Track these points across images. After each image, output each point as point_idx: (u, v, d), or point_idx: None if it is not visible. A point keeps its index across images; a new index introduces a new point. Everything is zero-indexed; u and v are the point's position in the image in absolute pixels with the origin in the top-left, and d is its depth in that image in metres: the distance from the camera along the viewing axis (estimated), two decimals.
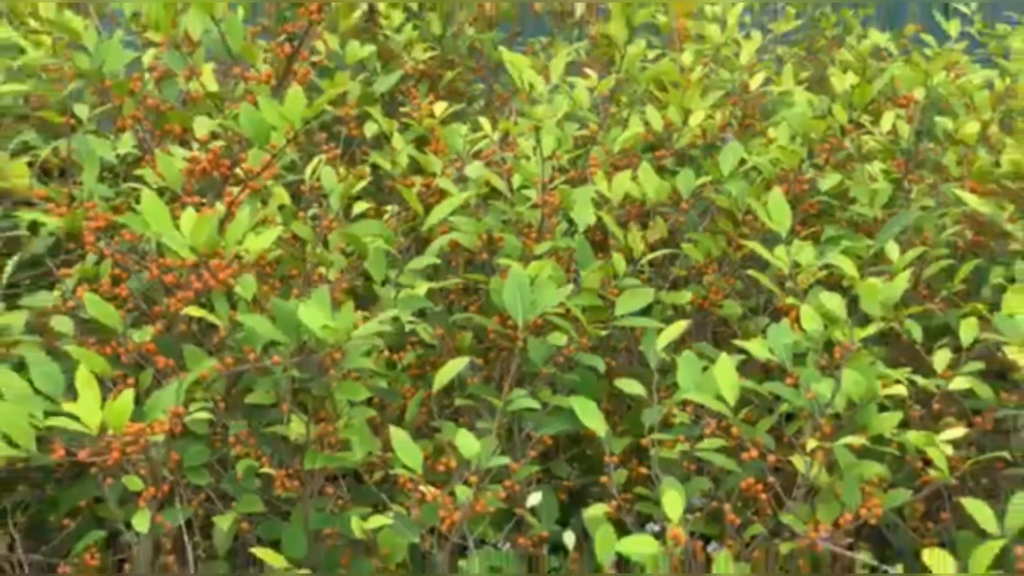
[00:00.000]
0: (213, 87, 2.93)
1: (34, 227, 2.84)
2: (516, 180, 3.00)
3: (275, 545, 2.49)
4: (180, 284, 2.51)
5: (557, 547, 2.65)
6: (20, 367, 2.26)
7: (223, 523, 2.56)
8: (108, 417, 2.18)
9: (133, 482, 2.43)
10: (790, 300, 2.79)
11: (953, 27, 4.40)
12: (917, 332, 2.76)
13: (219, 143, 2.74)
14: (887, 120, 3.38)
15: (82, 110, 3.02)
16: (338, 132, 3.32)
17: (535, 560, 2.66)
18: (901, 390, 2.51)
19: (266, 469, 2.58)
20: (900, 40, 4.61)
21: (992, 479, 2.77)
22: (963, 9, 4.65)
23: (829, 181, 3.16)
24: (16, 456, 2.22)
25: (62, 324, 2.62)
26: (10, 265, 2.73)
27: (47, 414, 2.23)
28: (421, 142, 3.26)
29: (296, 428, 2.55)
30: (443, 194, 3.03)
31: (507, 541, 2.67)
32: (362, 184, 2.99)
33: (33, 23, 3.32)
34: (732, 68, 3.76)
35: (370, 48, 3.42)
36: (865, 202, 3.10)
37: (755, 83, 3.60)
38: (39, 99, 3.19)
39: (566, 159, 3.04)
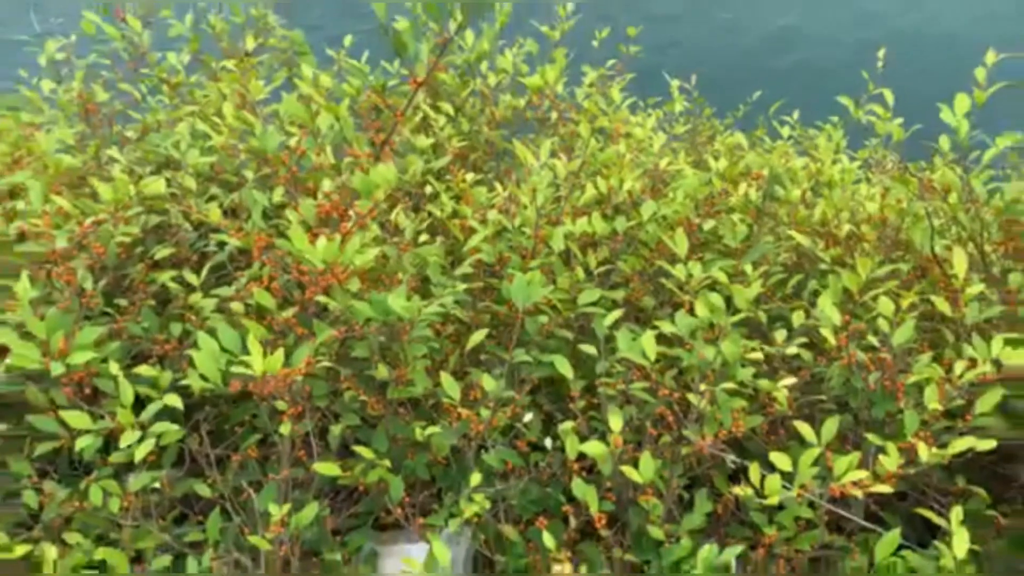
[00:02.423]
0: (332, 160, 2.93)
1: (221, 245, 2.83)
2: (517, 221, 3.00)
3: (367, 445, 2.50)
4: (312, 282, 2.51)
5: (540, 448, 2.66)
6: (212, 333, 2.25)
7: (335, 430, 2.57)
8: (267, 365, 2.19)
9: (281, 405, 2.43)
10: (687, 298, 2.79)
11: (785, 131, 4.42)
12: (765, 319, 2.77)
13: (336, 196, 2.73)
14: (743, 188, 3.38)
15: (249, 174, 3.01)
16: (410, 191, 3.33)
17: (526, 455, 2.67)
18: (757, 355, 2.52)
19: (362, 397, 2.58)
20: (751, 138, 4.62)
21: (811, 411, 2.77)
22: (788, 120, 4.65)
23: (708, 225, 3.16)
24: (208, 387, 2.22)
25: (238, 307, 2.62)
26: (206, 269, 2.74)
27: (229, 363, 2.23)
28: (458, 199, 3.26)
29: (381, 372, 2.55)
30: (472, 230, 3.04)
31: (510, 444, 2.66)
32: (424, 224, 3.01)
33: (217, 120, 3.32)
34: (648, 155, 3.77)
35: (428, 140, 3.42)
36: (731, 238, 3.10)
37: (662, 164, 3.60)
38: (221, 167, 3.18)
39: (548, 209, 3.03)
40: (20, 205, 2.72)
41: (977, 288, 2.69)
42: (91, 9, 3.47)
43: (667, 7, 12.46)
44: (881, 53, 4.26)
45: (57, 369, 2.21)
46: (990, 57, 2.92)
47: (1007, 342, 2.52)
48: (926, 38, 11.74)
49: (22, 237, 2.63)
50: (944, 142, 3.09)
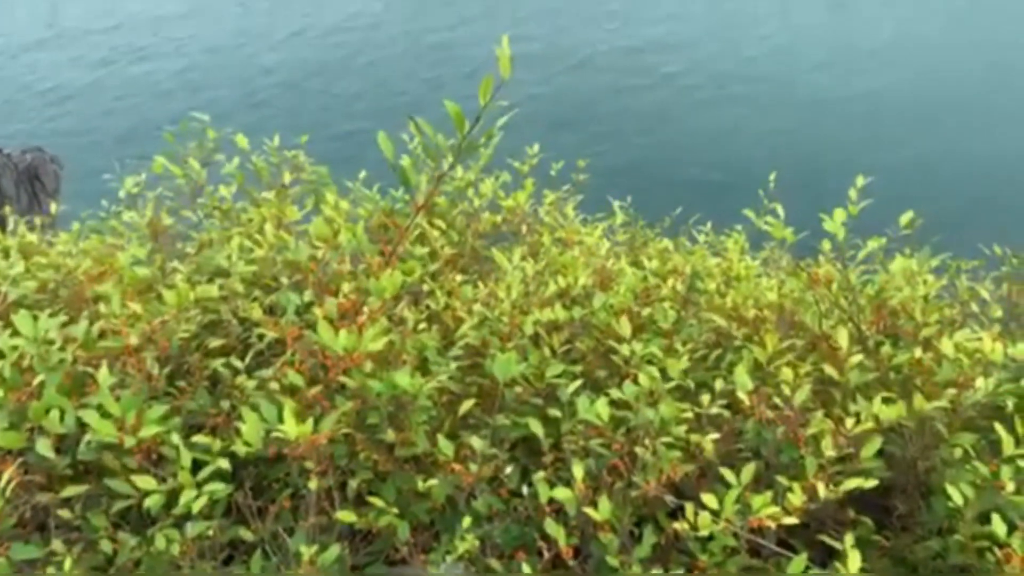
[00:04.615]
0: (350, 268, 2.93)
1: (261, 336, 2.80)
2: (496, 312, 3.00)
3: (379, 496, 2.45)
4: (334, 365, 2.48)
5: (518, 494, 2.61)
6: (254, 408, 2.22)
7: (353, 484, 2.52)
8: (299, 432, 2.15)
9: (309, 464, 2.38)
10: (631, 370, 2.79)
11: (703, 236, 4.47)
12: (693, 385, 2.76)
13: (353, 296, 2.73)
14: (671, 282, 3.42)
15: (284, 280, 3.01)
16: (412, 290, 3.32)
17: (507, 500, 2.62)
18: (688, 415, 2.52)
19: (374, 457, 2.54)
20: (676, 243, 4.67)
21: (732, 459, 2.75)
22: (703, 229, 4.70)
23: (646, 311, 3.18)
24: (251, 451, 2.18)
25: (274, 386, 2.58)
26: (249, 356, 2.71)
27: (267, 431, 2.20)
28: (450, 294, 3.26)
29: (389, 436, 2.52)
30: (461, 319, 3.03)
31: (494, 492, 2.61)
32: (423, 315, 3.00)
33: (259, 237, 3.32)
34: (596, 257, 3.80)
35: (425, 250, 3.43)
36: (663, 322, 3.11)
37: (608, 265, 3.64)
38: (262, 274, 3.18)
39: (520, 302, 3.04)
40: (102, 309, 2.70)
41: (857, 358, 2.71)
42: (162, 154, 3.51)
43: (616, 148, 12.73)
44: (772, 176, 4.36)
45: (130, 441, 2.17)
46: (859, 180, 3.00)
47: (883, 400, 2.53)
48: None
49: (103, 335, 2.60)
50: (826, 244, 3.14)
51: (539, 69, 13.96)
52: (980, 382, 2.57)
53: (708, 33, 15.62)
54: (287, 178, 4.00)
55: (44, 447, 2.26)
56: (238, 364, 2.70)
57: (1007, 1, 16.41)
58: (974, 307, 3.50)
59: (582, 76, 14.77)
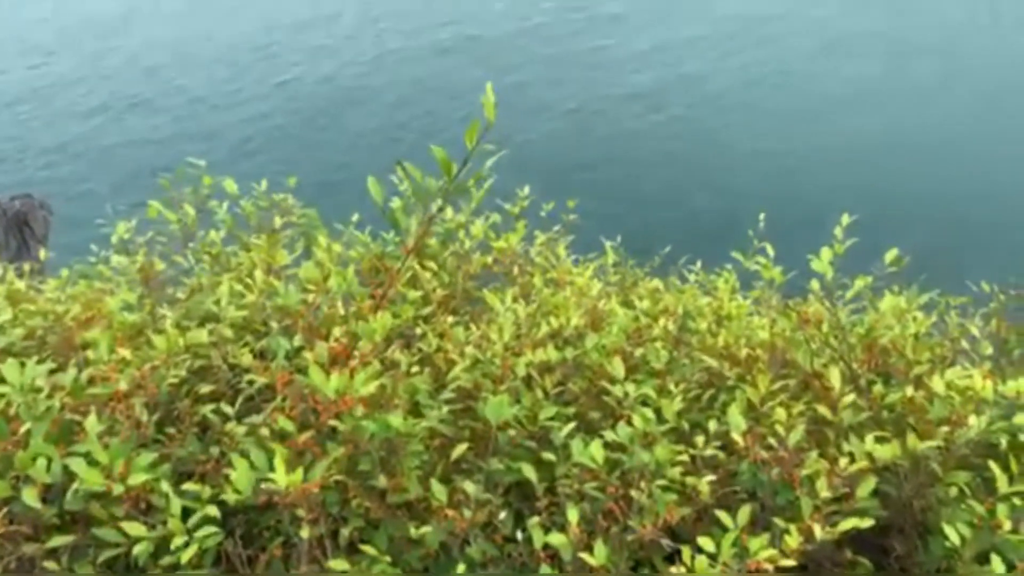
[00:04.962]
0: (341, 311, 2.93)
1: (251, 382, 2.79)
2: (488, 354, 2.99)
3: (371, 544, 2.42)
4: (325, 409, 2.47)
5: (512, 540, 2.58)
6: (244, 454, 2.20)
7: (344, 532, 2.48)
8: (290, 480, 2.13)
9: (300, 512, 2.36)
10: (625, 411, 2.78)
11: (693, 276, 4.49)
12: (687, 426, 2.76)
13: (344, 339, 2.72)
14: (662, 322, 3.42)
15: (274, 324, 3.01)
16: (404, 333, 3.32)
17: (502, 547, 2.58)
18: (683, 457, 2.51)
19: (366, 504, 2.51)
20: (667, 283, 4.69)
21: (728, 501, 2.73)
22: (693, 268, 4.73)
23: (638, 352, 3.18)
24: (240, 498, 2.16)
25: (265, 432, 2.56)
26: (239, 402, 2.69)
27: (258, 479, 2.18)
28: (441, 336, 3.25)
29: (381, 482, 2.50)
30: (453, 362, 3.02)
31: (488, 538, 2.59)
32: (415, 358, 2.99)
33: (249, 281, 3.31)
34: (588, 297, 3.81)
35: (417, 293, 3.43)
36: (656, 362, 3.11)
37: (600, 305, 3.65)
38: (251, 319, 3.17)
39: (512, 343, 3.04)
40: (91, 355, 2.68)
41: (850, 398, 2.72)
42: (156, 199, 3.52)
43: (607, 187, 12.84)
44: (761, 216, 4.39)
45: (118, 489, 2.15)
46: (844, 219, 3.03)
47: (877, 440, 2.53)
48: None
49: (91, 381, 2.58)
50: (814, 283, 3.16)
51: (530, 114, 14.13)
52: (973, 420, 2.58)
53: (696, 80, 15.89)
54: (277, 222, 4.01)
55: (30, 497, 2.22)
56: (228, 410, 2.68)
57: (994, 41, 16.79)
58: (964, 344, 3.51)
59: (572, 121, 14.96)
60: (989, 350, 3.24)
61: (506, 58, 16.80)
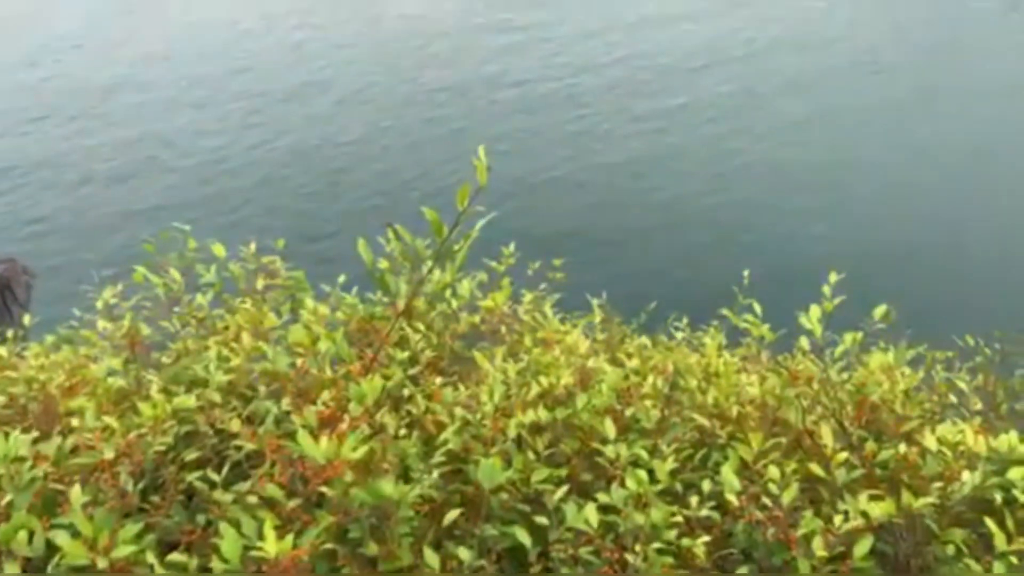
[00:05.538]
0: (330, 374, 2.92)
1: (238, 448, 2.76)
2: (478, 416, 2.98)
3: None
4: (315, 475, 2.44)
5: None
6: (232, 523, 2.17)
7: None
8: (279, 549, 2.10)
9: None
10: (618, 472, 2.77)
11: (679, 334, 4.52)
12: (681, 487, 2.75)
13: (333, 404, 2.71)
14: (651, 379, 3.43)
15: (261, 388, 2.99)
16: (392, 394, 3.31)
17: None
18: (678, 519, 2.49)
19: (357, 573, 2.47)
20: (655, 340, 4.71)
21: (724, 563, 2.71)
22: (680, 325, 4.76)
23: (630, 411, 3.18)
24: (228, 568, 2.12)
25: (251, 498, 2.53)
26: (226, 468, 2.66)
27: (246, 548, 2.15)
28: (430, 398, 3.24)
29: (372, 549, 2.46)
30: (443, 424, 3.01)
31: None
32: (404, 420, 2.98)
33: (235, 345, 3.30)
34: (577, 356, 3.82)
35: (405, 354, 3.43)
36: (647, 422, 3.11)
37: (589, 363, 3.66)
38: (238, 383, 3.15)
39: (503, 404, 3.03)
40: (75, 423, 2.65)
41: (843, 455, 2.72)
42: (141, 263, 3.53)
43: (592, 247, 12.99)
44: (746, 273, 4.46)
45: (103, 563, 2.10)
46: (832, 276, 3.08)
47: (871, 498, 2.53)
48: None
49: (76, 450, 2.55)
50: (803, 341, 3.20)
51: (513, 180, 14.31)
52: (966, 476, 2.59)
53: (680, 146, 16.25)
54: (261, 284, 4.01)
55: (12, 571, 2.17)
56: (215, 477, 2.64)
57: (979, 93, 17.31)
58: (952, 398, 3.54)
59: (556, 186, 15.21)
60: (979, 405, 3.27)
61: (494, 125, 17.12)
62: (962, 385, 3.36)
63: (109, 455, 2.51)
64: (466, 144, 16.35)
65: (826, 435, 2.77)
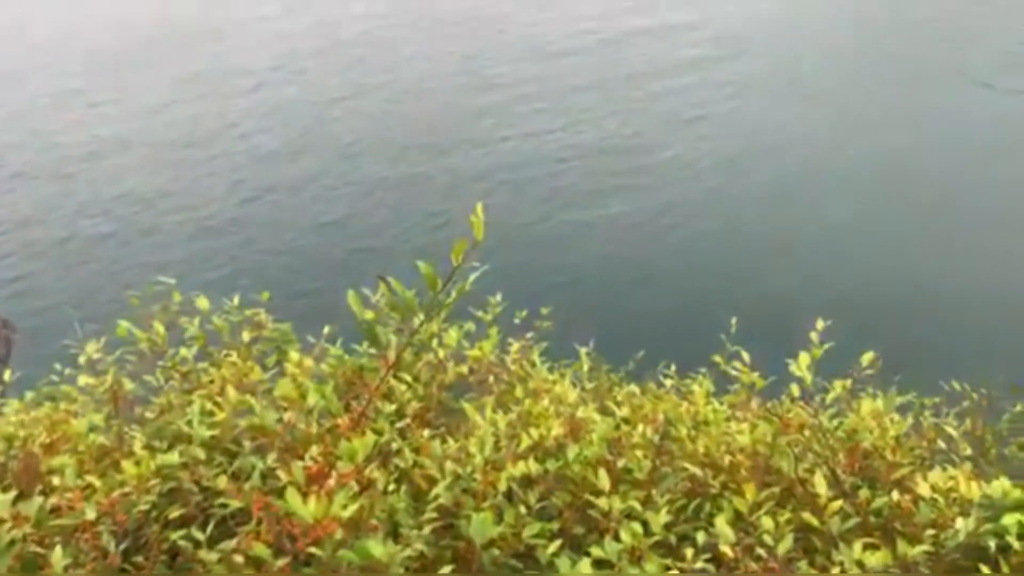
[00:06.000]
0: (316, 429, 2.90)
1: (223, 505, 2.71)
2: (468, 469, 2.96)
3: None
4: (303, 534, 2.40)
5: None
6: None
7: None
8: None
9: None
10: (612, 524, 2.74)
11: (669, 381, 4.52)
12: (675, 539, 2.73)
13: (321, 459, 2.68)
14: (641, 428, 3.42)
15: (246, 443, 2.96)
16: (380, 449, 3.28)
17: None
18: (674, 572, 2.47)
19: None
20: (644, 388, 4.70)
21: None
22: (668, 373, 4.75)
23: (622, 461, 3.17)
24: None
25: (237, 557, 2.48)
26: (211, 526, 2.61)
27: None
28: (418, 451, 3.21)
29: None
30: (432, 479, 2.98)
31: None
32: (392, 476, 2.94)
33: (219, 399, 3.26)
34: (567, 406, 3.80)
35: (392, 406, 3.41)
36: (639, 472, 3.09)
37: (578, 413, 3.64)
38: (219, 439, 3.10)
39: (493, 457, 3.01)
40: (56, 481, 2.60)
41: (837, 504, 2.72)
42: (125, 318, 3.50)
43: (578, 295, 13.05)
44: (733, 321, 4.48)
45: None
46: (820, 324, 3.11)
47: (865, 547, 2.52)
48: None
49: (57, 510, 2.49)
50: (794, 389, 3.21)
51: (498, 231, 14.40)
52: (960, 522, 2.59)
53: (668, 197, 16.48)
54: (246, 336, 3.99)
55: None
56: (199, 536, 2.59)
57: (965, 138, 17.71)
58: (941, 444, 3.56)
59: (544, 235, 15.35)
60: (968, 450, 3.29)
61: (480, 179, 17.30)
62: (951, 431, 3.38)
63: (91, 515, 2.46)
64: (451, 198, 16.52)
65: (819, 484, 2.77)
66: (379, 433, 2.74)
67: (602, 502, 2.82)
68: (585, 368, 4.74)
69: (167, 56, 25.41)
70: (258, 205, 17.00)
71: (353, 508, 2.39)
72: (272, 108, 21.63)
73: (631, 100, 20.63)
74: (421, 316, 2.69)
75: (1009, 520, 2.57)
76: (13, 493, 2.54)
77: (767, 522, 2.60)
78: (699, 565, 2.61)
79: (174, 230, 16.11)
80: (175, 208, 16.85)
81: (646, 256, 14.43)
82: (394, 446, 3.24)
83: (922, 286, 13.03)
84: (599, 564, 2.56)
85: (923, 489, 2.72)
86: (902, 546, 2.51)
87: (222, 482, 2.64)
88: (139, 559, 2.57)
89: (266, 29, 26.74)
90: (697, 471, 3.12)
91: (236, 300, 4.04)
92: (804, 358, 2.96)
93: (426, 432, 3.34)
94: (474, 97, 21.36)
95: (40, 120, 21.55)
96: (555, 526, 2.89)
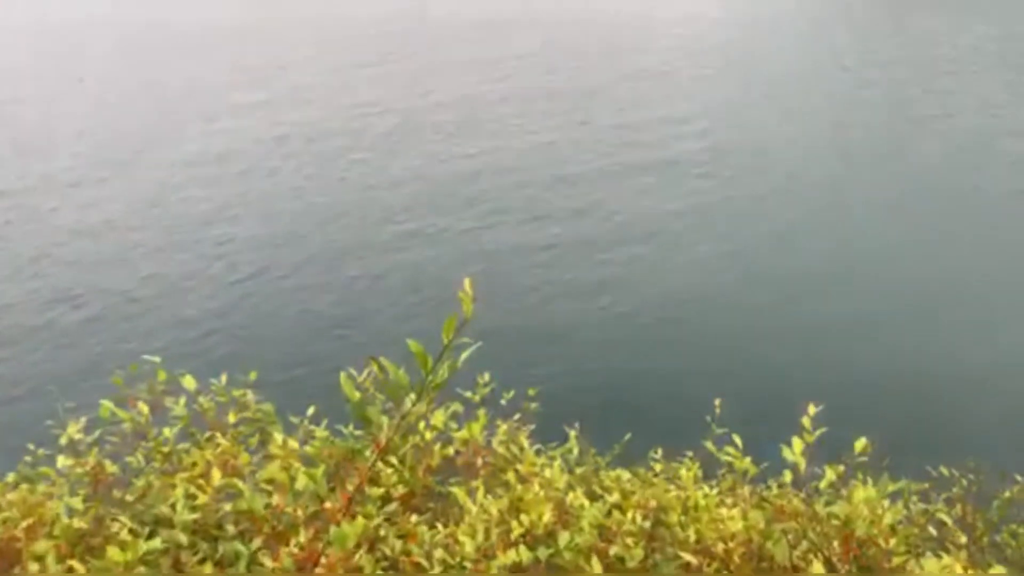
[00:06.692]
0: (303, 514, 2.84)
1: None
2: (458, 558, 2.91)
3: None
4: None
5: None
6: None
7: None
8: None
9: None
10: None
11: (658, 465, 4.49)
12: None
13: (308, 545, 2.63)
14: (631, 515, 3.38)
15: (230, 528, 2.90)
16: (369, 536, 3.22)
17: None
18: None
19: None
20: (633, 472, 4.66)
21: None
22: (656, 456, 4.72)
23: (614, 549, 3.12)
24: None
25: None
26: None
27: None
28: (405, 538, 3.15)
29: None
30: (420, 567, 2.92)
31: None
32: (379, 563, 2.89)
33: (202, 482, 3.21)
34: (556, 491, 3.76)
35: (379, 490, 3.36)
36: (630, 561, 3.05)
37: (568, 500, 3.61)
38: (203, 521, 3.04)
39: (483, 544, 2.97)
40: (34, 567, 2.52)
41: None
42: (109, 398, 3.46)
43: (564, 376, 13.06)
44: (717, 402, 4.49)
45: None
46: (811, 409, 3.13)
47: None
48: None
49: None
50: (787, 475, 3.21)
51: (483, 311, 14.35)
52: None
53: (652, 271, 16.70)
54: (232, 418, 3.94)
55: None
56: None
57: (953, 215, 18.19)
58: (931, 530, 3.55)
59: (527, 312, 15.42)
60: (963, 538, 3.28)
61: (464, 261, 17.47)
62: (944, 518, 3.38)
63: None
64: (435, 279, 16.61)
65: (816, 572, 2.74)
66: (368, 518, 2.69)
67: None
68: (574, 451, 4.70)
69: (160, 139, 25.75)
70: (247, 288, 17.00)
71: None
72: (259, 192, 21.87)
73: (620, 192, 21.09)
74: (413, 397, 2.68)
75: None
76: None
77: None
78: None
79: (160, 315, 16.02)
80: (163, 294, 16.79)
81: (636, 338, 14.51)
82: (382, 532, 3.19)
83: (907, 369, 13.15)
84: None
85: None
86: None
87: (207, 569, 2.57)
88: None
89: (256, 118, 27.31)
90: (691, 559, 3.09)
91: (224, 379, 4.01)
92: (797, 444, 2.97)
93: (413, 517, 3.29)
94: (463, 186, 21.75)
95: (11, 205, 21.55)
96: None
